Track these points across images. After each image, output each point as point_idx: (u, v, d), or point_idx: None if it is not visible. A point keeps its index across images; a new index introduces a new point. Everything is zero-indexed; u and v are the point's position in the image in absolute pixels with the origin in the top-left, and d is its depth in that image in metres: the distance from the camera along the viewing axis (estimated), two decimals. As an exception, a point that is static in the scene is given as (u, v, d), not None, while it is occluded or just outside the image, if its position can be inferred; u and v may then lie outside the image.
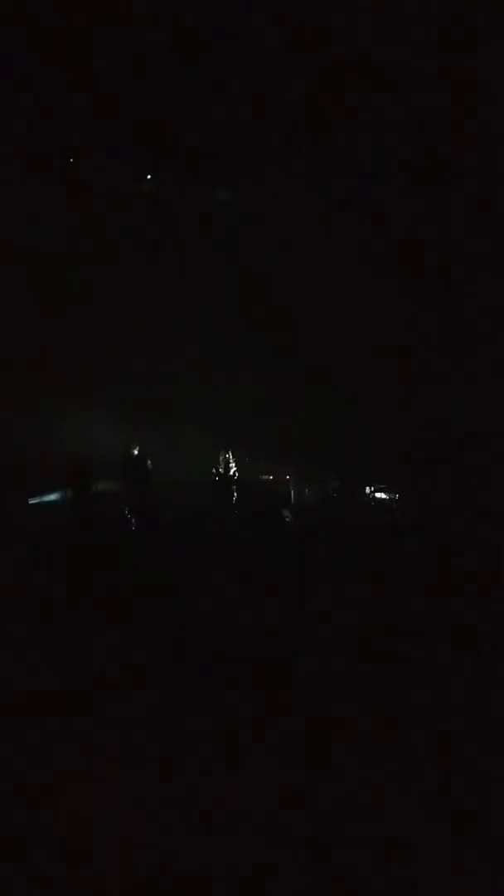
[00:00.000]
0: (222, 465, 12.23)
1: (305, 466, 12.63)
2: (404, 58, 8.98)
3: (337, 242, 12.38)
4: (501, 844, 3.40)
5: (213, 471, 12.25)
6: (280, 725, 4.51)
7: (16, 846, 3.41)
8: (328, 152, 11.02)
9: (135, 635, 5.90)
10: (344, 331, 12.36)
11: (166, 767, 4.06)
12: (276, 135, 10.77)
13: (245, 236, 12.75)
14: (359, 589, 6.77)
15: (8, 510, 10.62)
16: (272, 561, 8.10)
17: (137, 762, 4.12)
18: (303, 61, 9.20)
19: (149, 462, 11.78)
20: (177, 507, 11.71)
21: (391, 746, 4.26)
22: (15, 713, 4.67)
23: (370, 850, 3.37)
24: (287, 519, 11.64)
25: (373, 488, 11.94)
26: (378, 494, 11.90)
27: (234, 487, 12.22)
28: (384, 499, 11.87)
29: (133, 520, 11.35)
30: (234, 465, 12.27)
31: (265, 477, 12.84)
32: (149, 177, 12.56)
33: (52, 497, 12.27)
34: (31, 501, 12.07)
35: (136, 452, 11.71)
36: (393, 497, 11.78)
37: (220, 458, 12.26)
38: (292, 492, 12.63)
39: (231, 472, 12.25)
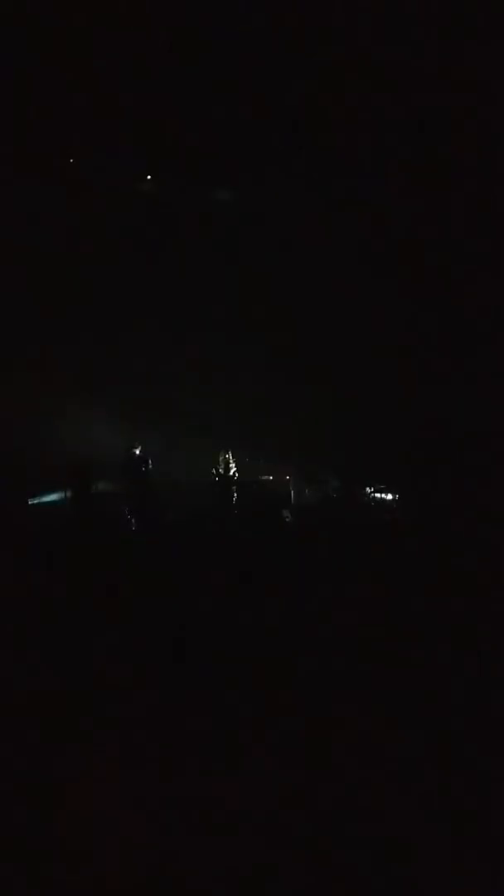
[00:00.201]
0: (222, 466, 12.23)
1: (305, 466, 12.64)
2: (404, 58, 8.97)
3: (337, 242, 12.38)
4: (501, 844, 3.40)
5: (213, 471, 12.25)
6: (280, 725, 4.51)
7: (16, 846, 3.41)
8: (328, 152, 11.01)
9: (135, 635, 5.90)
10: (344, 331, 12.36)
11: (166, 767, 4.06)
12: (276, 135, 10.77)
13: (245, 236, 12.75)
14: (359, 589, 6.77)
15: (8, 510, 10.63)
16: (272, 561, 8.10)
17: (137, 762, 4.12)
18: (303, 61, 9.20)
19: (149, 462, 11.78)
20: (177, 507, 11.71)
21: (391, 746, 4.26)
22: (15, 713, 4.67)
23: (370, 850, 3.37)
24: (287, 519, 11.64)
25: (373, 488, 11.95)
26: (378, 494, 11.90)
27: (234, 487, 12.23)
28: (384, 499, 11.87)
29: (133, 520, 11.35)
30: (234, 465, 12.27)
31: (265, 477, 12.84)
32: (149, 177, 12.55)
33: (52, 497, 12.27)
34: (31, 501, 12.07)
35: (136, 452, 11.71)
36: (393, 497, 11.78)
37: (220, 458, 12.26)
38: (292, 492, 12.64)
39: (231, 473, 12.25)
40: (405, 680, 5.08)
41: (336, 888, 3.18)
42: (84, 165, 11.95)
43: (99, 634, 5.91)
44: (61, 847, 3.41)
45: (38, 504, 12.18)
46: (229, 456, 12.28)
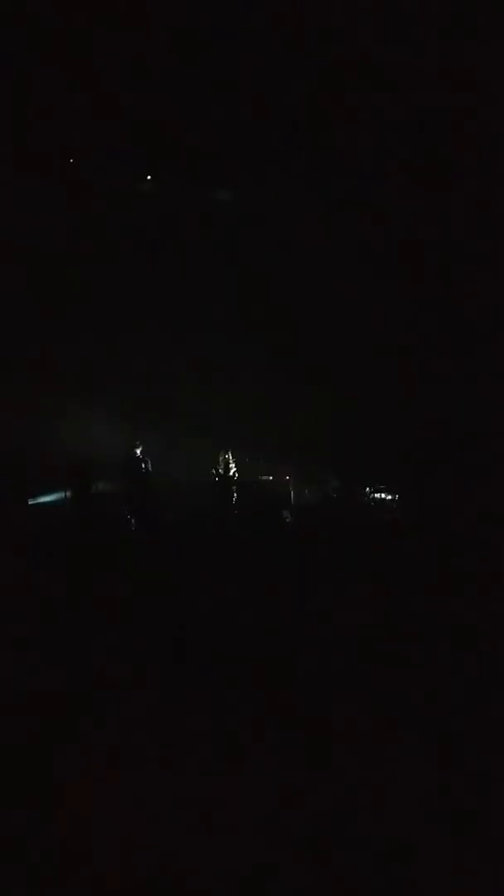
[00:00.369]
0: (222, 466, 12.23)
1: (305, 466, 12.64)
2: (404, 58, 8.97)
3: (337, 242, 12.38)
4: (501, 844, 3.40)
5: (213, 471, 12.25)
6: (280, 725, 4.51)
7: (15, 846, 3.41)
8: (328, 152, 11.01)
9: (135, 635, 5.90)
10: (344, 331, 12.36)
11: (166, 768, 4.06)
12: (276, 135, 10.77)
13: (245, 236, 12.76)
14: (359, 589, 6.78)
15: (8, 510, 10.63)
16: (272, 561, 8.11)
17: (137, 762, 4.12)
18: (303, 61, 9.20)
19: (149, 462, 11.78)
20: (177, 507, 11.72)
21: (391, 746, 4.26)
22: (14, 713, 4.67)
23: (370, 849, 3.37)
24: (287, 519, 11.64)
25: (373, 488, 11.95)
26: (378, 494, 11.91)
27: (234, 487, 12.23)
28: (384, 499, 11.87)
29: (133, 520, 11.35)
30: (234, 465, 12.27)
31: (265, 477, 12.84)
32: (149, 177, 12.55)
33: (52, 497, 12.27)
34: (31, 501, 12.07)
35: (137, 453, 11.71)
36: (393, 497, 11.78)
37: (220, 458, 12.26)
38: (292, 492, 12.64)
39: (231, 473, 12.25)
40: (405, 680, 5.08)
41: (336, 888, 3.18)
42: (84, 165, 11.94)
43: (99, 634, 5.92)
44: (61, 847, 3.41)
45: (38, 504, 12.19)
46: (229, 456, 12.28)
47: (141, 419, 12.53)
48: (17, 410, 12.22)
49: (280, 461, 12.87)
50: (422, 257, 11.82)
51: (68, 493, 11.88)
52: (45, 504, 12.25)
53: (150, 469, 11.74)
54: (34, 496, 12.14)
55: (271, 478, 12.85)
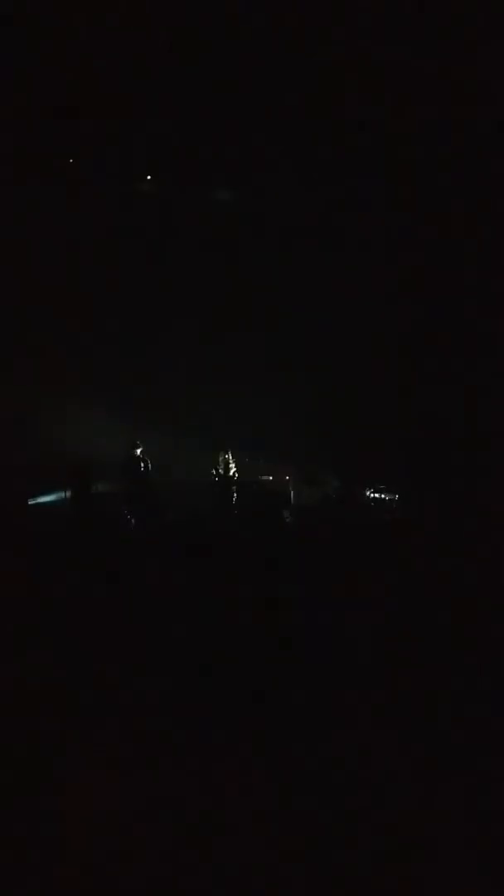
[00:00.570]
0: (222, 466, 12.23)
1: (305, 466, 12.64)
2: (404, 58, 8.97)
3: (337, 242, 12.38)
4: (501, 844, 3.40)
5: (213, 471, 12.25)
6: (279, 725, 4.51)
7: (15, 847, 3.41)
8: (328, 152, 11.01)
9: (134, 636, 5.90)
10: (344, 331, 12.36)
11: (165, 768, 4.06)
12: (276, 135, 10.76)
13: (245, 236, 12.76)
14: (359, 589, 6.77)
15: (8, 510, 10.63)
16: (272, 561, 8.10)
17: (136, 763, 4.12)
18: (303, 61, 9.19)
19: (148, 462, 11.78)
20: (177, 507, 11.72)
21: (392, 747, 4.26)
22: (14, 713, 4.67)
23: (370, 849, 3.37)
24: (287, 519, 11.64)
25: (373, 488, 11.95)
26: (378, 494, 11.91)
27: (234, 487, 12.23)
28: (384, 499, 11.87)
29: (133, 520, 11.35)
30: (233, 465, 12.27)
31: (265, 477, 12.84)
32: (149, 177, 12.55)
33: (52, 497, 12.28)
34: (31, 501, 12.08)
35: (137, 453, 11.71)
36: (393, 497, 11.78)
37: (220, 458, 12.27)
38: (292, 492, 12.64)
39: (231, 473, 12.25)
40: (405, 680, 5.08)
41: (336, 888, 3.18)
42: (84, 165, 11.94)
43: (98, 635, 5.92)
44: (60, 847, 3.41)
45: (38, 504, 12.20)
46: (229, 456, 12.28)
47: (141, 419, 12.53)
48: (17, 410, 12.23)
49: (280, 461, 12.87)
50: (422, 257, 11.82)
51: (68, 493, 11.89)
52: (45, 504, 12.25)
53: (149, 469, 11.74)
54: (34, 496, 12.15)
55: (271, 478, 12.86)
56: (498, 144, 10.15)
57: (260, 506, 11.86)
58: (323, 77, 9.48)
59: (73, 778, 3.95)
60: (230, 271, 12.75)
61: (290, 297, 12.66)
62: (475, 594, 6.52)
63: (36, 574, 7.17)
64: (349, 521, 11.17)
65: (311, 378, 12.54)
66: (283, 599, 6.67)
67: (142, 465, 11.71)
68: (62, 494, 12.12)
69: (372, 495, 11.93)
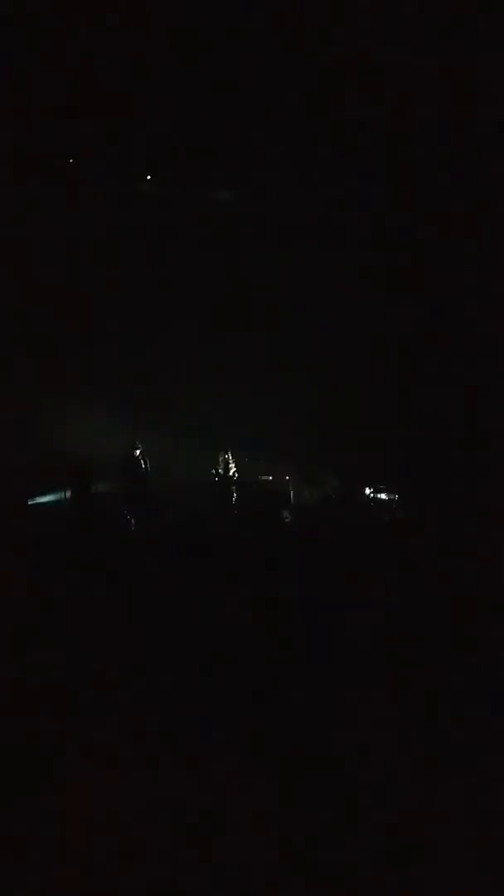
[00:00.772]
0: (222, 466, 12.24)
1: (305, 466, 12.64)
2: (404, 58, 8.97)
3: (337, 242, 12.38)
4: (501, 844, 3.40)
5: (213, 471, 12.25)
6: (279, 725, 4.51)
7: (15, 847, 3.41)
8: (328, 152, 11.01)
9: (134, 636, 5.90)
10: (344, 330, 12.37)
11: (165, 768, 4.06)
12: (276, 135, 10.77)
13: (245, 236, 12.76)
14: (359, 589, 6.77)
15: (8, 510, 10.63)
16: (272, 561, 8.10)
17: (136, 763, 4.12)
18: (303, 61, 9.20)
19: (147, 462, 11.78)
20: (177, 507, 11.72)
21: (391, 746, 4.26)
22: (14, 713, 4.67)
23: (370, 849, 3.37)
24: (287, 519, 11.64)
25: (373, 488, 11.95)
26: (378, 494, 11.91)
27: (234, 487, 12.23)
28: (384, 499, 11.87)
29: (133, 520, 11.35)
30: (233, 465, 12.27)
31: (265, 477, 12.84)
32: (149, 177, 12.54)
33: (52, 497, 12.28)
34: (31, 501, 12.08)
35: (136, 453, 11.71)
36: (393, 497, 11.78)
37: (220, 458, 12.27)
38: (292, 492, 12.64)
39: (231, 473, 12.25)
40: (405, 680, 5.08)
41: (336, 888, 3.18)
42: (84, 165, 11.94)
43: (98, 635, 5.91)
44: (60, 848, 3.40)
45: (38, 504, 12.20)
46: (229, 456, 12.28)
47: (141, 419, 12.53)
48: (17, 410, 12.23)
49: (280, 461, 12.87)
50: (422, 257, 11.82)
51: (68, 493, 11.89)
52: (45, 504, 12.26)
53: (148, 469, 11.74)
54: (34, 496, 12.15)
55: (271, 478, 12.86)
56: (498, 144, 10.15)
57: (260, 506, 11.86)
58: (323, 77, 9.48)
59: (72, 778, 3.94)
60: (230, 271, 12.75)
61: (290, 297, 12.66)
62: (475, 594, 6.52)
63: (36, 574, 7.17)
64: (349, 521, 11.17)
65: (311, 378, 12.54)
66: (283, 599, 6.67)
67: (141, 465, 11.70)
68: (62, 494, 12.12)
69: (372, 495, 11.93)
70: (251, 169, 11.77)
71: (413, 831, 3.48)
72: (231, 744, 4.26)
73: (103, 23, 8.66)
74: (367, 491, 11.95)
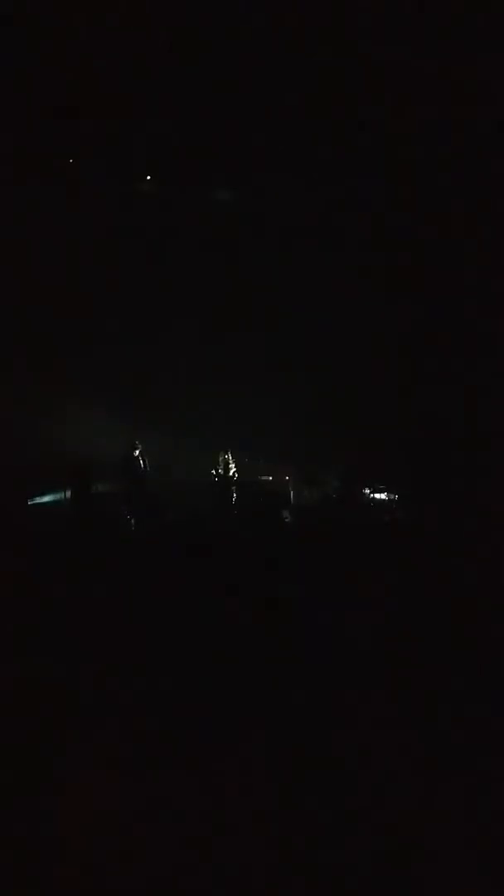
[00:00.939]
0: (222, 466, 12.24)
1: (305, 466, 12.64)
2: (404, 58, 8.97)
3: (337, 242, 12.38)
4: (502, 844, 3.40)
5: (213, 471, 12.25)
6: (279, 725, 4.51)
7: (15, 847, 3.41)
8: (328, 152, 11.01)
9: (134, 635, 5.90)
10: (344, 330, 12.37)
11: (165, 768, 4.06)
12: (276, 135, 10.76)
13: (245, 236, 12.76)
14: (359, 589, 6.77)
15: (8, 510, 10.63)
16: (272, 561, 8.10)
17: (136, 763, 4.12)
18: (303, 61, 9.19)
19: (146, 462, 11.78)
20: (177, 507, 11.72)
21: (391, 746, 4.26)
22: (14, 713, 4.67)
23: (370, 849, 3.36)
24: (287, 519, 11.64)
25: (373, 488, 11.95)
26: (378, 494, 11.91)
27: (234, 488, 12.23)
28: (384, 499, 11.87)
29: (133, 520, 11.35)
30: (233, 465, 12.27)
31: (265, 477, 12.84)
32: (149, 177, 12.54)
33: (52, 497, 12.28)
34: (31, 501, 12.08)
35: (136, 453, 11.71)
36: (393, 497, 11.78)
37: (220, 458, 12.27)
38: (292, 492, 12.64)
39: (231, 473, 12.25)
40: (405, 680, 5.08)
41: (336, 888, 3.18)
42: (84, 165, 11.93)
43: (98, 635, 5.91)
44: (60, 848, 3.40)
45: (38, 504, 12.20)
46: (229, 456, 12.28)
47: (141, 419, 12.53)
48: (17, 410, 12.23)
49: (280, 461, 12.87)
50: (422, 257, 11.82)
51: (68, 493, 11.89)
52: (45, 504, 12.26)
53: (147, 469, 11.74)
54: (34, 496, 12.15)
55: (271, 478, 12.86)
56: (498, 144, 10.14)
57: (260, 506, 11.86)
58: (323, 77, 9.47)
59: (72, 778, 3.94)
60: (230, 271, 12.74)
61: (290, 297, 12.65)
62: (475, 594, 6.52)
63: (36, 574, 7.17)
64: (349, 521, 11.17)
65: (311, 378, 12.53)
66: (283, 599, 6.67)
67: (141, 465, 11.70)
68: (62, 494, 12.12)
69: (372, 495, 11.93)
70: (251, 169, 11.76)
71: (413, 831, 3.48)
72: (231, 744, 4.27)
73: (103, 23, 8.65)
74: (367, 491, 11.95)
